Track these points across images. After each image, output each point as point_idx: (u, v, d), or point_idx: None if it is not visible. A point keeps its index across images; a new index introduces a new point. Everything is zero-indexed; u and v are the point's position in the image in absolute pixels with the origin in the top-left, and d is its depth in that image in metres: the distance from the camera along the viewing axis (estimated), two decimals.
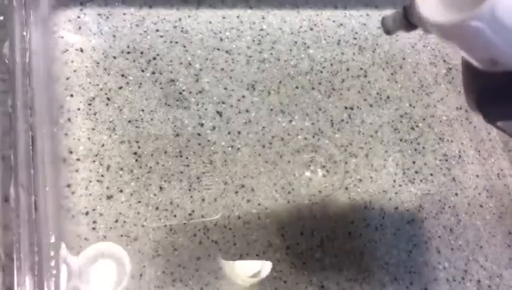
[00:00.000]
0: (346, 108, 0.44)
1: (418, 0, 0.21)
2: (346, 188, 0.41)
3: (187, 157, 0.38)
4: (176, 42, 0.42)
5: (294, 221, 0.38)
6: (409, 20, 0.23)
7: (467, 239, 0.42)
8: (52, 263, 0.32)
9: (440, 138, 0.45)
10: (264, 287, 0.36)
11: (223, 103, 0.41)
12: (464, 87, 0.24)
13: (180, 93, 0.40)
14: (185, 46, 0.42)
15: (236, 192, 0.38)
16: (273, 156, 0.40)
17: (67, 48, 0.39)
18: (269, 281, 0.36)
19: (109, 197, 0.35)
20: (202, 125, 0.39)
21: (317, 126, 0.42)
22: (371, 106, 0.44)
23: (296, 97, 0.43)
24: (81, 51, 0.39)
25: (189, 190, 0.37)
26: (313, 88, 0.44)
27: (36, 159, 0.33)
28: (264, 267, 0.36)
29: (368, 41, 0.47)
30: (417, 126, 0.45)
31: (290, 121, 0.42)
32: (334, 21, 0.47)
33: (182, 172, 0.37)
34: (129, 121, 0.38)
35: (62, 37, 0.39)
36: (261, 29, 0.45)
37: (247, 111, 0.41)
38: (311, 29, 0.46)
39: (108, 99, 0.38)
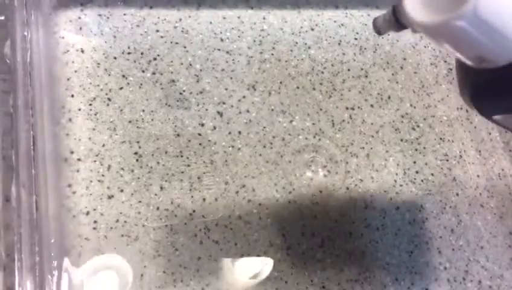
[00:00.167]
0: (347, 108, 0.44)
1: (405, 0, 0.21)
2: (347, 188, 0.40)
3: (188, 158, 0.38)
4: (177, 43, 0.42)
5: (295, 221, 0.38)
6: (398, 19, 0.23)
7: (468, 239, 0.42)
8: (54, 264, 0.32)
9: (441, 138, 0.45)
10: (265, 288, 0.36)
11: (224, 103, 0.41)
12: (458, 83, 0.25)
13: (180, 93, 0.40)
14: (185, 47, 0.42)
15: (237, 192, 0.38)
16: (274, 156, 0.40)
17: (68, 48, 0.39)
18: (270, 281, 0.36)
19: (110, 197, 0.35)
20: (203, 125, 0.39)
21: (318, 126, 0.42)
22: (371, 106, 0.44)
23: (297, 97, 0.43)
24: (82, 51, 0.39)
25: (190, 189, 0.37)
26: (313, 88, 0.44)
27: (37, 159, 0.33)
28: (265, 267, 0.36)
29: (369, 41, 0.47)
30: (418, 126, 0.45)
31: (291, 121, 0.42)
32: (335, 21, 0.47)
33: (182, 172, 0.37)
34: (130, 121, 0.38)
35: (63, 38, 0.39)
36: (262, 30, 0.45)
37: (247, 111, 0.41)
38: (312, 29, 0.46)
39: (109, 99, 0.38)
